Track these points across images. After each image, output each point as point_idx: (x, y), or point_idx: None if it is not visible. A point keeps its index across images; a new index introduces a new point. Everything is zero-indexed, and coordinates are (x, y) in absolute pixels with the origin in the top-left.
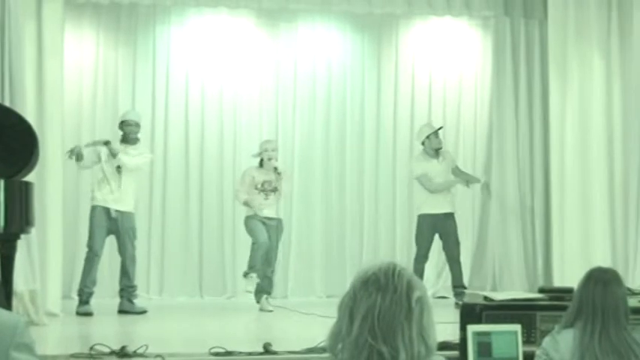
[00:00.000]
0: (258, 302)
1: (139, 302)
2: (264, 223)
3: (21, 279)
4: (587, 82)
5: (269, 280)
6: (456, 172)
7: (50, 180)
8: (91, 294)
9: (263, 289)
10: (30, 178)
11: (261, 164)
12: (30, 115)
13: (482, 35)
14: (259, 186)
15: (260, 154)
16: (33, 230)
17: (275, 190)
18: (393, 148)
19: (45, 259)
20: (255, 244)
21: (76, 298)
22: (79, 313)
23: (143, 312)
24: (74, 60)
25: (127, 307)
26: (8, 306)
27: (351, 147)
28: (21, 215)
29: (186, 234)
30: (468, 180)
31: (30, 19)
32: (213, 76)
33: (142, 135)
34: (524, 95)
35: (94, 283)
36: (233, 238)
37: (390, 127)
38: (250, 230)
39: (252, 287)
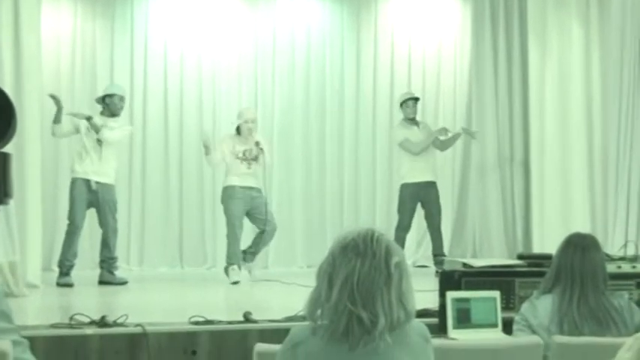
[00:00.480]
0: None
1: (119, 273)
2: (243, 199)
3: (0, 250)
4: (566, 52)
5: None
6: (444, 137)
7: (29, 151)
8: (71, 266)
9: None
10: (8, 149)
11: (238, 132)
12: (8, 87)
13: (462, 4)
14: (240, 155)
15: (239, 124)
16: (11, 202)
17: (256, 158)
18: (373, 116)
19: (24, 231)
20: (230, 234)
21: (56, 269)
22: (59, 284)
23: (123, 283)
24: (52, 31)
25: (107, 278)
26: None
27: (331, 116)
28: None
29: (167, 204)
30: (453, 138)
31: None
32: (191, 46)
33: None
34: (503, 64)
35: (75, 255)
36: (213, 208)
37: (369, 96)
38: (227, 214)
39: (238, 277)
